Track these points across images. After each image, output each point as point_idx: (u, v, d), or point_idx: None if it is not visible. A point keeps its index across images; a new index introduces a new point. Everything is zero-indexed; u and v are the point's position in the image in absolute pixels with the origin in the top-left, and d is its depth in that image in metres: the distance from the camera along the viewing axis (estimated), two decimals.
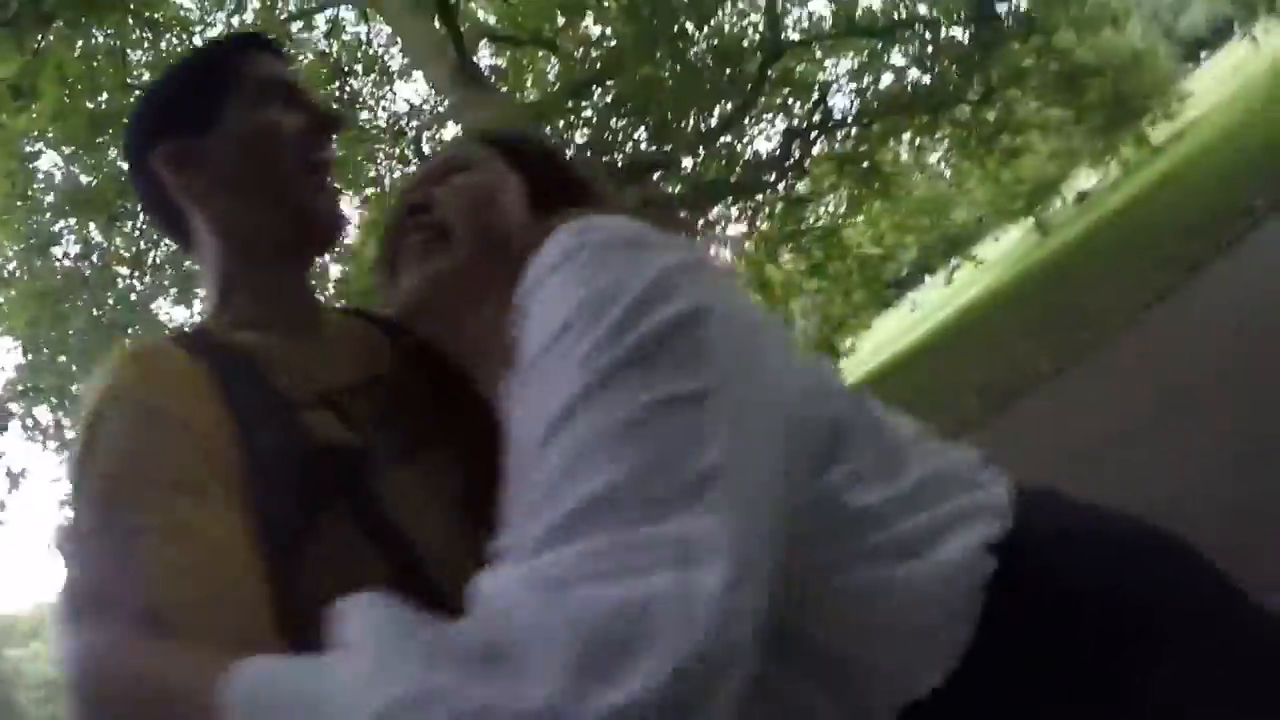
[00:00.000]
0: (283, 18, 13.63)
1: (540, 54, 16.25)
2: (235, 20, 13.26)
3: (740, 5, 16.16)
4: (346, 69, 14.64)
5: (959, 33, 15.83)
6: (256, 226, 0.96)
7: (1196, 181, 11.44)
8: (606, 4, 14.62)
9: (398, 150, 15.22)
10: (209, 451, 0.77)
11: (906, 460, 0.75)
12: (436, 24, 12.32)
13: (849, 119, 16.97)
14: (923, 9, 15.70)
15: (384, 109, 15.48)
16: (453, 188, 0.94)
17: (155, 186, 0.96)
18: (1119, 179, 26.67)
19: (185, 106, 0.95)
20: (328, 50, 14.64)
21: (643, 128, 16.24)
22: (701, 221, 17.12)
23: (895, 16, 15.73)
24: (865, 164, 17.27)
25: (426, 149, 15.44)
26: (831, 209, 19.09)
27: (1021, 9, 15.56)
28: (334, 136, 1.03)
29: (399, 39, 13.83)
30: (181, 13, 12.41)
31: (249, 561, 0.73)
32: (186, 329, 0.97)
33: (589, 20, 15.41)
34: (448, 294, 0.91)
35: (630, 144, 16.33)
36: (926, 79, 16.18)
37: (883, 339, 26.34)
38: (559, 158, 1.07)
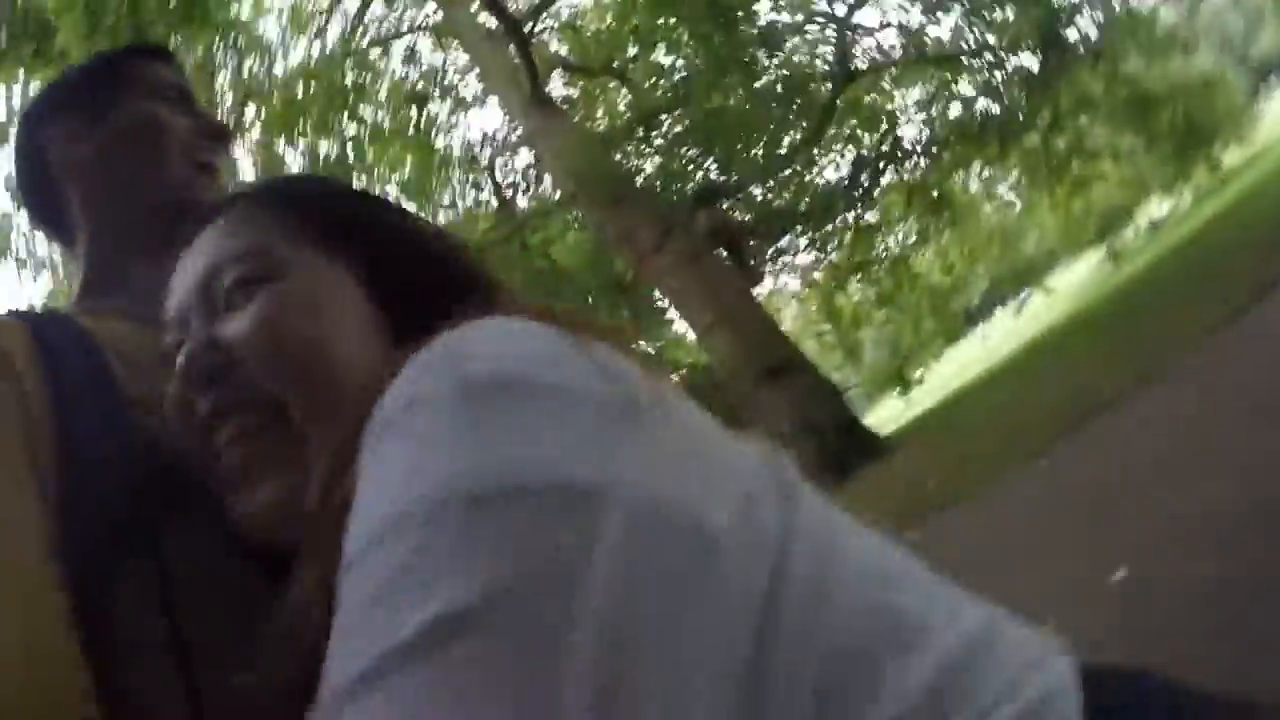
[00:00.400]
0: (363, 44, 14.30)
1: (611, 84, 16.63)
2: (315, 47, 13.89)
3: (810, 36, 16.34)
4: (424, 96, 15.16)
5: (1028, 60, 15.86)
6: (136, 208, 0.93)
7: (1266, 206, 11.20)
8: (678, 35, 14.93)
9: (471, 176, 15.79)
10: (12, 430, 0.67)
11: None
12: (512, 53, 12.91)
13: (918, 149, 17.01)
14: (991, 38, 15.74)
15: (459, 136, 16.09)
16: (258, 328, 0.65)
17: (40, 167, 0.96)
18: (1191, 206, 26.14)
19: (82, 98, 0.97)
20: (405, 78, 15.24)
21: (711, 157, 16.52)
22: (771, 250, 17.32)
23: (963, 45, 15.79)
24: (934, 193, 17.28)
25: (500, 175, 15.95)
26: (901, 239, 19.02)
27: (1090, 37, 15.56)
28: (224, 145, 1.02)
29: (475, 68, 14.43)
30: (264, 40, 13.09)
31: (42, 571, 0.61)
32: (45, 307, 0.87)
33: (660, 50, 15.78)
34: (297, 508, 0.60)
35: (700, 173, 16.60)
36: (995, 108, 16.21)
37: (953, 370, 26.02)
38: (415, 232, 0.74)
